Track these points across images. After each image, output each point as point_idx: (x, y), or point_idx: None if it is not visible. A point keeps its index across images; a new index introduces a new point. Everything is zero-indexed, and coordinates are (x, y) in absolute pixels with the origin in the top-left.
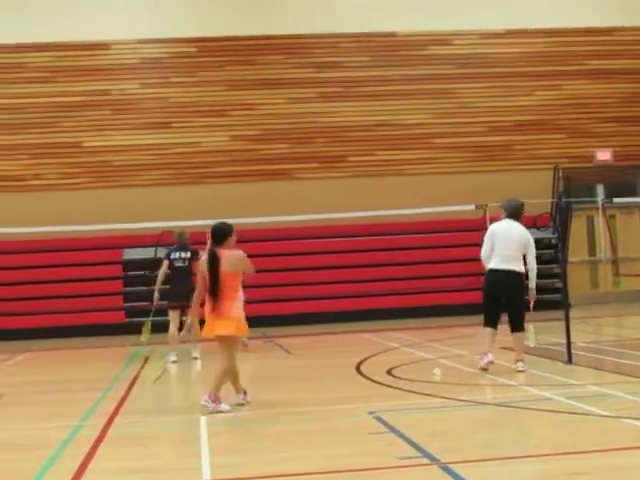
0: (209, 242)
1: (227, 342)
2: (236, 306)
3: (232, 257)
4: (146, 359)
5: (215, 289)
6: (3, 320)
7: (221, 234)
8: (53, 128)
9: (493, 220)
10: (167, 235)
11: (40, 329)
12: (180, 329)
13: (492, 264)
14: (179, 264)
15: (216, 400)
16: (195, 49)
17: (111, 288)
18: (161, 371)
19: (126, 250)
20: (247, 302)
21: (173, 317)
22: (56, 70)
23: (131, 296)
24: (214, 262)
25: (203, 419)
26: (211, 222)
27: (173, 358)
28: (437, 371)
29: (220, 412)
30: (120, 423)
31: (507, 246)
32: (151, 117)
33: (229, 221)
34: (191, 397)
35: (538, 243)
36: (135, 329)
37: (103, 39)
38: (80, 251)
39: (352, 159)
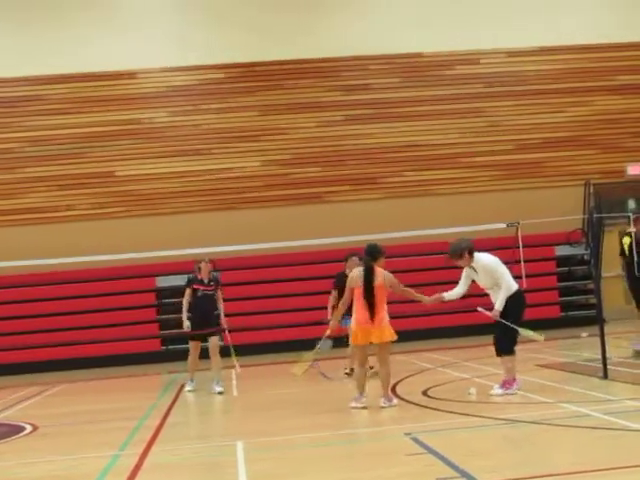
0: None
1: (384, 348)
2: (387, 316)
3: (384, 274)
4: (182, 386)
5: (372, 301)
6: (41, 352)
7: (376, 252)
8: (82, 159)
9: (524, 237)
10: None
11: (76, 359)
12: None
13: (516, 284)
14: (205, 292)
15: (390, 399)
16: (223, 75)
17: (145, 316)
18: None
19: (159, 278)
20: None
21: (196, 346)
22: (84, 100)
23: (166, 324)
24: (371, 276)
25: (240, 445)
26: (245, 248)
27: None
28: (473, 390)
29: (393, 406)
30: (157, 451)
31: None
32: (181, 144)
33: (262, 246)
34: (227, 424)
35: (571, 259)
36: (170, 356)
37: (130, 68)
38: (114, 280)
39: (383, 180)
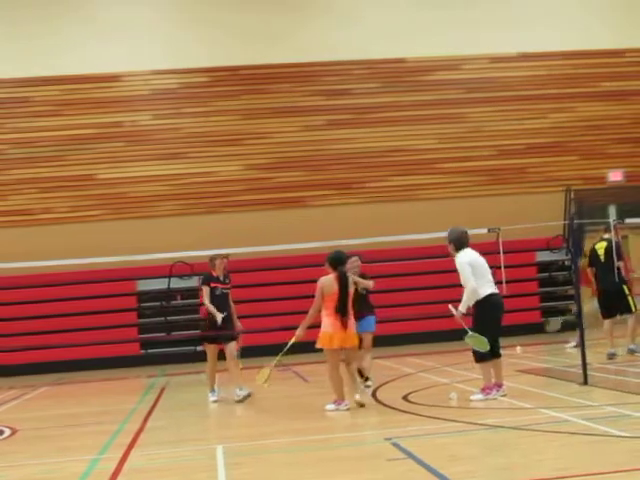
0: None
1: (353, 350)
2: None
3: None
4: (162, 390)
5: (346, 307)
6: (19, 355)
7: (344, 259)
8: (64, 161)
9: (505, 243)
10: (180, 266)
11: (56, 363)
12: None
13: (489, 289)
14: (223, 290)
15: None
16: (207, 79)
17: (126, 320)
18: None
19: (140, 282)
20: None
21: (215, 350)
22: (67, 103)
23: (146, 327)
24: (347, 283)
25: (219, 450)
26: (226, 252)
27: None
28: (453, 395)
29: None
30: (137, 456)
31: (488, 271)
32: (164, 148)
33: (243, 250)
34: (207, 428)
35: (552, 265)
36: (150, 360)
37: (114, 71)
38: (94, 283)
39: (364, 185)
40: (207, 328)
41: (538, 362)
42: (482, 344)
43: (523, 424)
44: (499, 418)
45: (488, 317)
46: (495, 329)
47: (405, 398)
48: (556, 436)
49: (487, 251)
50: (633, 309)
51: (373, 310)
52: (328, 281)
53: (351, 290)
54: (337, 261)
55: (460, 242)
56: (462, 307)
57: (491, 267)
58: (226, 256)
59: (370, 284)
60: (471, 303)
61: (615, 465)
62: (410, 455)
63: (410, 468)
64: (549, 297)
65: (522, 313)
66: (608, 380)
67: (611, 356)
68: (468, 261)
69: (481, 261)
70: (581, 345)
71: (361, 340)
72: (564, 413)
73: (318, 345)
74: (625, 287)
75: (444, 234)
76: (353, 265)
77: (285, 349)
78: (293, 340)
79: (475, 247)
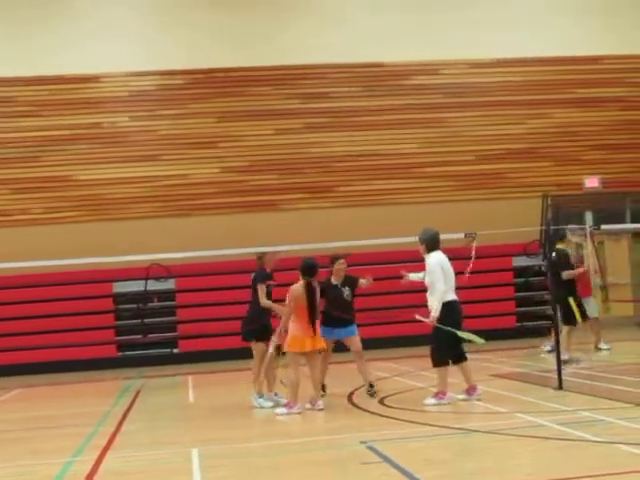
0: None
1: (319, 354)
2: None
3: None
4: (138, 392)
5: (315, 315)
6: None
7: (315, 268)
8: (41, 162)
9: (482, 248)
10: (156, 268)
11: (31, 364)
12: None
13: (452, 295)
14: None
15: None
16: (183, 81)
17: (102, 322)
18: None
19: (116, 283)
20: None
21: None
22: (45, 104)
23: (123, 329)
24: (314, 292)
25: (195, 452)
26: (200, 254)
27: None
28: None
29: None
30: (113, 458)
31: (453, 277)
32: (140, 150)
33: (217, 253)
34: (183, 431)
35: (528, 270)
36: (127, 362)
37: (92, 72)
38: (70, 285)
39: (341, 189)
40: (258, 326)
41: (513, 367)
42: (475, 338)
43: (498, 428)
44: (474, 422)
45: (450, 322)
46: (455, 334)
47: (381, 402)
48: (531, 441)
49: (462, 256)
50: (577, 319)
51: (354, 316)
52: (298, 289)
53: (318, 298)
54: (305, 270)
55: (433, 243)
56: (435, 312)
57: (467, 272)
58: (275, 253)
59: (364, 282)
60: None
61: (589, 470)
62: (385, 459)
63: (385, 472)
64: (525, 302)
65: (498, 318)
66: (583, 385)
67: (565, 362)
68: (440, 263)
69: (449, 266)
70: (556, 350)
71: (336, 346)
72: (539, 418)
73: (288, 349)
74: (571, 298)
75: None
76: (340, 267)
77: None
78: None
79: (451, 252)
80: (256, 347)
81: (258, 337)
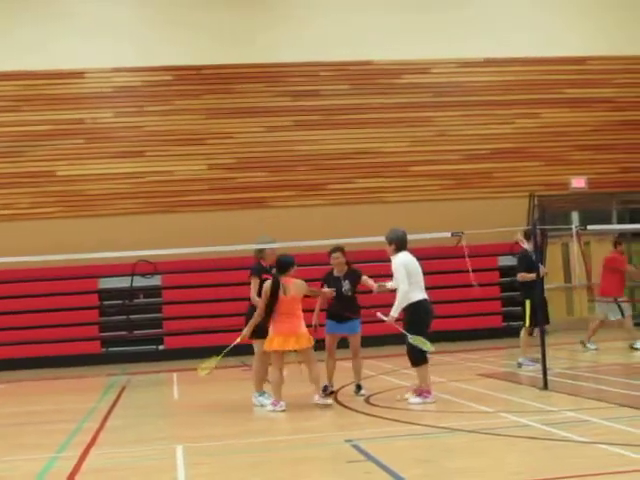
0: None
1: (306, 353)
2: (303, 323)
3: (297, 283)
4: (122, 389)
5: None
6: None
7: (288, 266)
8: (23, 157)
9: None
10: (142, 264)
11: (15, 360)
12: None
13: (420, 295)
14: None
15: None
16: (171, 77)
17: (87, 318)
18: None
19: (102, 279)
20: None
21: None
22: (28, 99)
23: (107, 326)
24: (276, 289)
25: (179, 449)
26: (188, 251)
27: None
28: (400, 396)
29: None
30: (96, 454)
31: (421, 277)
32: (126, 146)
33: (205, 249)
34: (167, 428)
35: (514, 270)
36: (111, 359)
37: (77, 67)
38: (55, 281)
39: (330, 187)
40: (258, 324)
41: (499, 366)
42: (425, 344)
43: (483, 428)
44: (459, 422)
45: (418, 322)
46: (423, 334)
47: (367, 400)
48: (516, 440)
49: (450, 255)
50: (526, 323)
51: (358, 312)
52: (268, 285)
53: (293, 295)
54: (277, 266)
55: (401, 243)
56: (394, 311)
57: (453, 271)
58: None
59: (365, 279)
60: (402, 307)
61: (574, 470)
62: (370, 457)
63: (370, 470)
64: (511, 302)
65: (484, 317)
66: (568, 385)
67: (519, 365)
68: (404, 264)
69: (416, 265)
70: (541, 349)
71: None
72: (524, 418)
73: (267, 348)
74: (527, 301)
75: (408, 238)
76: (335, 261)
77: (229, 347)
78: (238, 340)
79: (440, 251)
80: (256, 344)
81: (258, 335)
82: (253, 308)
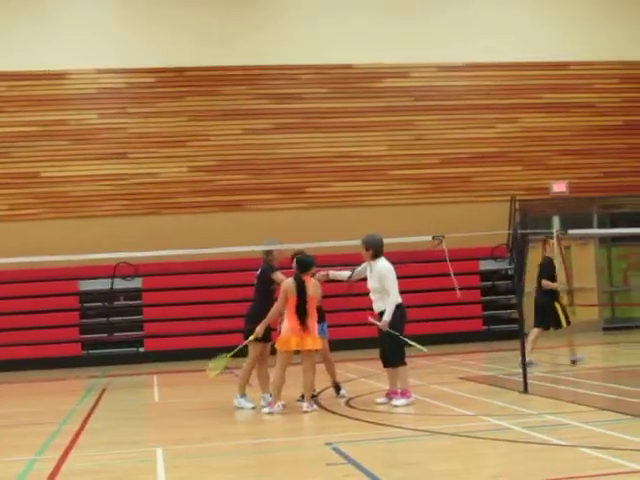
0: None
1: (311, 354)
2: (317, 325)
3: (315, 284)
4: (103, 391)
5: (305, 311)
6: None
7: (309, 264)
8: (6, 158)
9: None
10: (123, 266)
11: None
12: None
13: (399, 299)
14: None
15: (312, 404)
16: (154, 79)
17: (67, 320)
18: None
19: (83, 282)
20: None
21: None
22: (11, 100)
23: (88, 328)
24: (304, 288)
25: (159, 452)
26: (168, 253)
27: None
28: (381, 400)
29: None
30: (76, 457)
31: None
32: (109, 147)
33: (185, 252)
34: (147, 430)
35: (495, 274)
36: (91, 361)
37: (60, 69)
38: (35, 282)
39: (310, 190)
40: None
41: (480, 370)
42: (419, 346)
43: (463, 431)
44: (440, 425)
45: (397, 325)
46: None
47: (347, 403)
48: (496, 443)
49: (430, 259)
50: (563, 324)
51: (323, 316)
52: (290, 284)
53: (312, 294)
54: (300, 265)
55: (379, 249)
56: (387, 316)
57: (433, 275)
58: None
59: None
60: (392, 311)
61: (553, 473)
62: (350, 460)
63: (349, 473)
64: (491, 306)
65: (464, 321)
66: (548, 389)
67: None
68: (391, 270)
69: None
70: (522, 353)
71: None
72: (504, 421)
73: (282, 348)
74: (556, 304)
75: (388, 241)
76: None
77: (239, 347)
78: (252, 338)
79: (420, 255)
80: (253, 346)
81: (265, 338)
82: (256, 308)
